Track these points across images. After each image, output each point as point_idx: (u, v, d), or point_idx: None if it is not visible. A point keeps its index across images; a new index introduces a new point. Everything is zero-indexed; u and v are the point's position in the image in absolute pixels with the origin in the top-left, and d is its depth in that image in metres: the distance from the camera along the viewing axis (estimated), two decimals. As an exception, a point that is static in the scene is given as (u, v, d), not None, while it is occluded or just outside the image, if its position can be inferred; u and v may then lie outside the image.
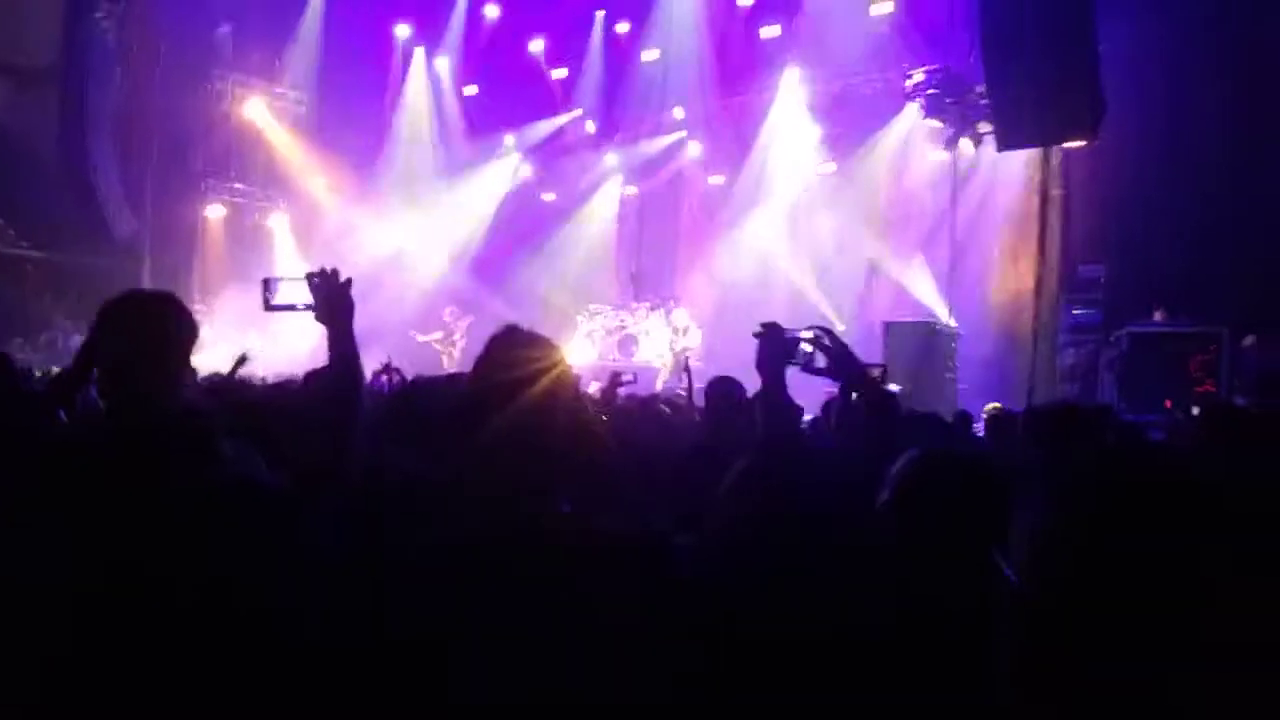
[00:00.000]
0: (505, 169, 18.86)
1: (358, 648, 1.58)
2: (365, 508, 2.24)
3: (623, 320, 17.01)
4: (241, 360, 5.87)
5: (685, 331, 16.03)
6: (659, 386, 11.34)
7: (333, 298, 2.37)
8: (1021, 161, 13.92)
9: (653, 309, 16.46)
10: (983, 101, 12.75)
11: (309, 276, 2.40)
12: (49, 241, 14.74)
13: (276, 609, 1.55)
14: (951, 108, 13.41)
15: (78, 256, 14.56)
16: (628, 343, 16.68)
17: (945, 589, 2.04)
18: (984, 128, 13.21)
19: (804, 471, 2.88)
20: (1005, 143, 12.30)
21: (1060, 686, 1.40)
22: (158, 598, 1.50)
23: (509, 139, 18.79)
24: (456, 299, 17.03)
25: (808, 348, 2.88)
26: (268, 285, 2.49)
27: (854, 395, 3.17)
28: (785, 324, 2.82)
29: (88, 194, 13.91)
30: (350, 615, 1.63)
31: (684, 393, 8.25)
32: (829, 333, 2.90)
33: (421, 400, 3.01)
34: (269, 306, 2.49)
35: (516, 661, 1.58)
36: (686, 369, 6.71)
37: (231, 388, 3.86)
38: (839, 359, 2.93)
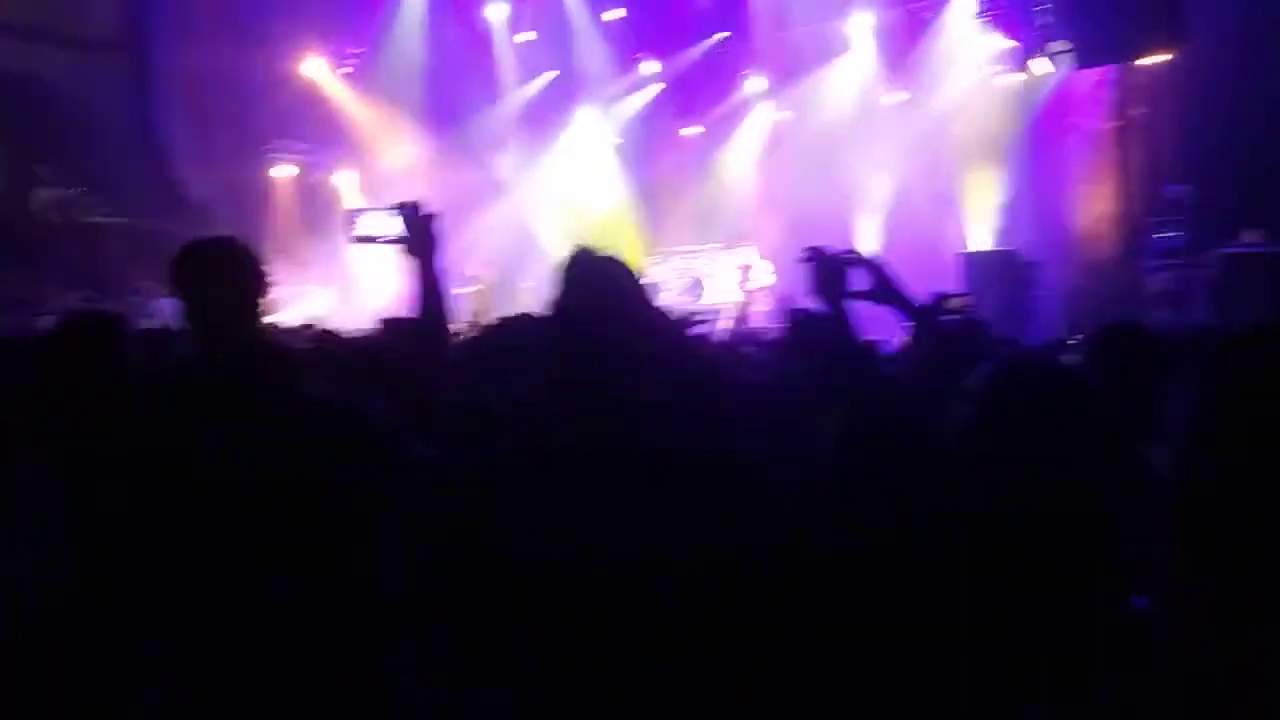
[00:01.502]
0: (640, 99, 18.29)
1: (462, 561, 1.58)
2: (461, 432, 2.24)
3: (689, 262, 16.88)
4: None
5: (751, 270, 15.84)
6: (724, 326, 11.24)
7: (420, 230, 2.35)
8: (1098, 80, 13.39)
9: (728, 248, 16.21)
10: (1055, 21, 12.30)
11: (399, 207, 2.38)
12: (126, 207, 15.03)
13: (379, 528, 1.54)
14: (1023, 25, 12.91)
15: (154, 221, 14.83)
16: (694, 286, 16.56)
17: (1048, 496, 1.94)
18: (1057, 46, 12.72)
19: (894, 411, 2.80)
20: (1083, 60, 11.88)
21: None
22: (262, 513, 1.50)
23: (650, 66, 18.14)
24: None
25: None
26: (352, 216, 2.49)
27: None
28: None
29: (161, 159, 14.16)
30: (454, 531, 1.62)
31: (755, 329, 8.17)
32: (865, 259, 2.78)
33: (510, 336, 2.99)
34: (355, 238, 2.49)
35: (609, 578, 1.57)
36: (778, 305, 6.58)
37: (321, 337, 3.89)
38: (881, 279, 2.79)
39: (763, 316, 14.49)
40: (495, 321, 3.88)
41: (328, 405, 1.64)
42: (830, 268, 2.59)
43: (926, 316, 2.87)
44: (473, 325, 7.83)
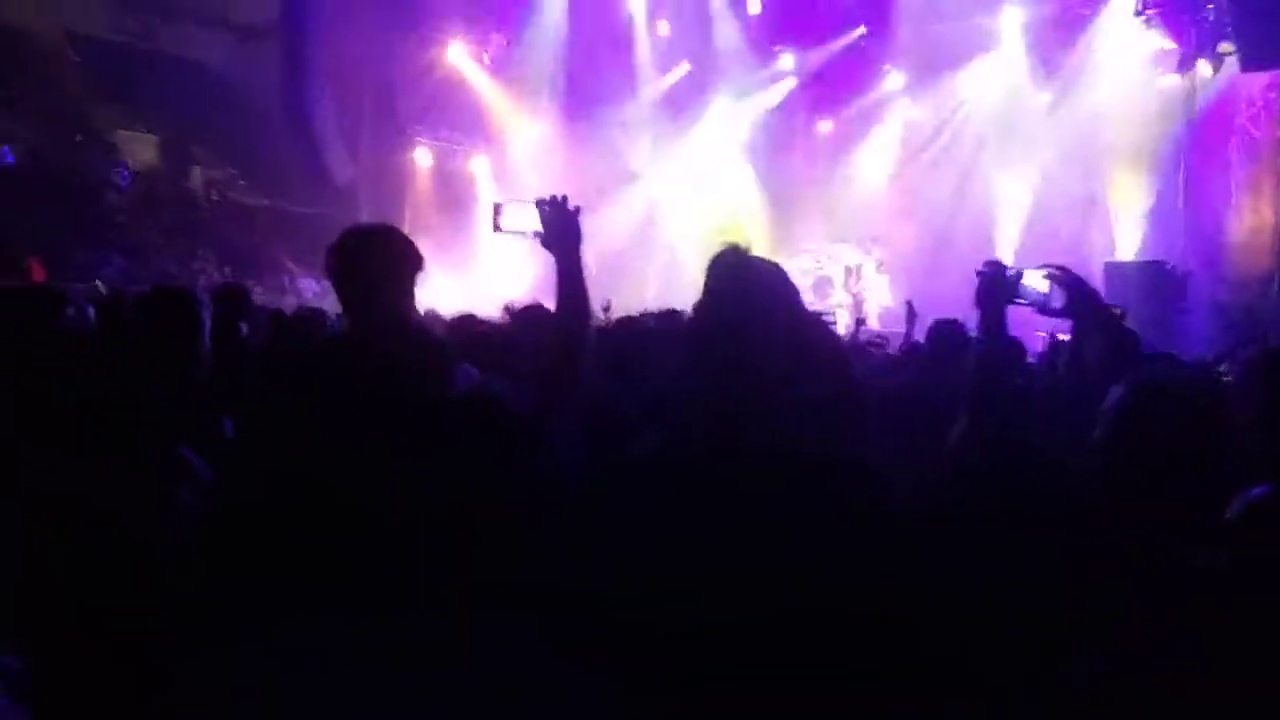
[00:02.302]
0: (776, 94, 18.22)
1: (593, 562, 1.59)
2: (597, 427, 2.26)
3: (819, 261, 16.65)
4: None
5: (859, 271, 15.54)
6: (841, 329, 11.03)
7: (561, 225, 2.37)
8: (1265, 85, 12.63)
9: (864, 250, 15.93)
10: (1223, 18, 11.64)
11: (538, 203, 2.41)
12: (275, 189, 15.76)
13: (514, 526, 1.56)
14: (1188, 25, 12.26)
15: (301, 203, 15.50)
16: (823, 285, 16.32)
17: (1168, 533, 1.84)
18: (1225, 47, 12.03)
19: (1024, 421, 2.73)
20: (1250, 62, 11.22)
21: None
22: (402, 503, 1.54)
23: (787, 59, 18.07)
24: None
25: (1042, 285, 2.74)
26: (497, 210, 2.53)
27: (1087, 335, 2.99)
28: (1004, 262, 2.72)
29: (309, 144, 14.75)
30: (586, 531, 1.63)
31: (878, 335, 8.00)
32: (1067, 270, 2.76)
33: (639, 336, 3.00)
34: (498, 229, 2.53)
35: (729, 578, 1.57)
36: (910, 312, 6.45)
37: (466, 322, 3.99)
38: (1080, 296, 2.80)
39: (875, 319, 14.30)
40: (618, 319, 3.91)
41: (482, 401, 1.66)
42: (1005, 282, 2.56)
43: (1112, 332, 2.84)
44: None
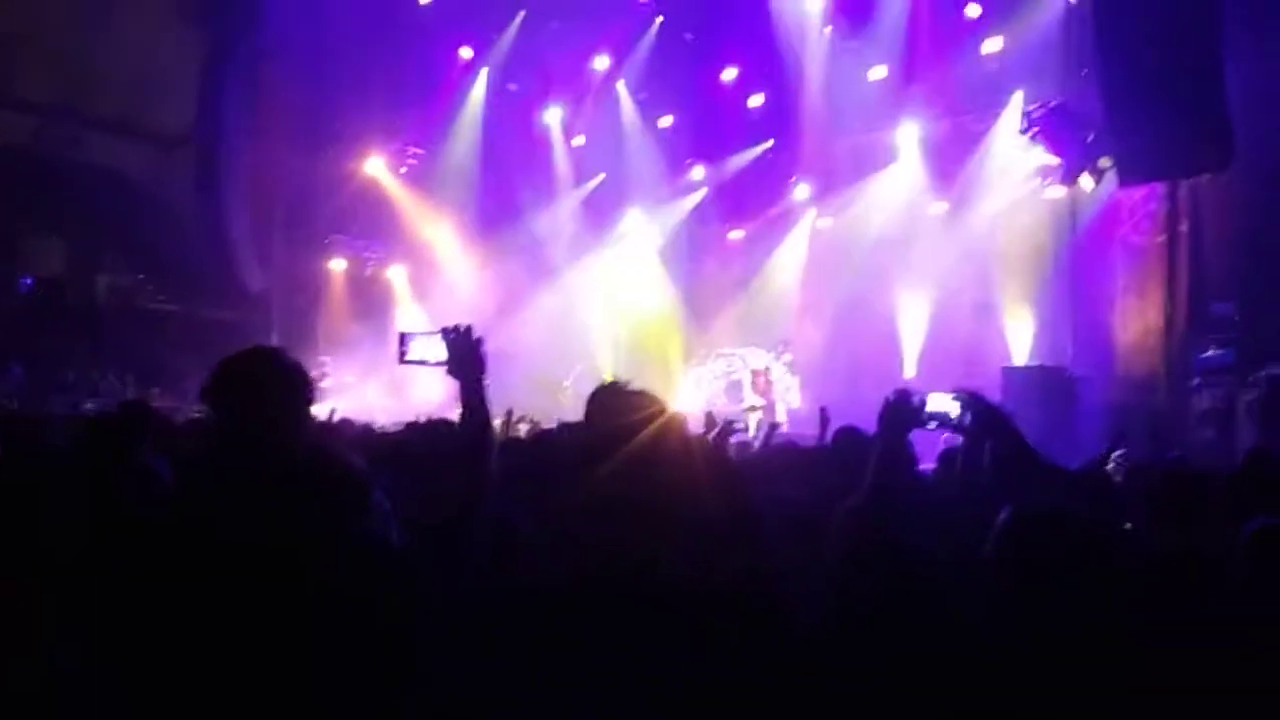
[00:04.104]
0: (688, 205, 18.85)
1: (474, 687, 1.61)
2: (488, 561, 2.29)
3: (731, 365, 16.91)
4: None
5: (769, 374, 15.82)
6: (752, 434, 11.14)
7: (465, 353, 2.44)
8: (1144, 195, 13.43)
9: (776, 353, 16.21)
10: (1100, 138, 12.40)
11: (444, 332, 2.48)
12: (186, 295, 15.57)
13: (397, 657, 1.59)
14: (1069, 142, 13.04)
15: (212, 310, 15.32)
16: (736, 388, 16.54)
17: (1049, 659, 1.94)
18: (1104, 162, 12.79)
19: (915, 518, 2.86)
20: (1127, 177, 11.92)
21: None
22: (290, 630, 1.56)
23: (698, 171, 18.76)
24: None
25: (950, 407, 2.92)
26: (403, 340, 2.59)
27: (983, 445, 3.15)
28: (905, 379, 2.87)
29: (221, 251, 14.68)
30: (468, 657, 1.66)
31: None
32: (974, 394, 2.96)
33: (546, 452, 3.07)
34: (404, 360, 2.58)
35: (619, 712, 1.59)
36: (824, 417, 6.54)
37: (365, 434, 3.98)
38: (987, 416, 2.99)
39: (783, 422, 14.49)
40: (530, 433, 3.97)
41: (369, 548, 1.70)
42: (912, 411, 2.71)
43: (1008, 444, 3.00)
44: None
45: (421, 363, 2.58)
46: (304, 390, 2.31)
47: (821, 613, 2.39)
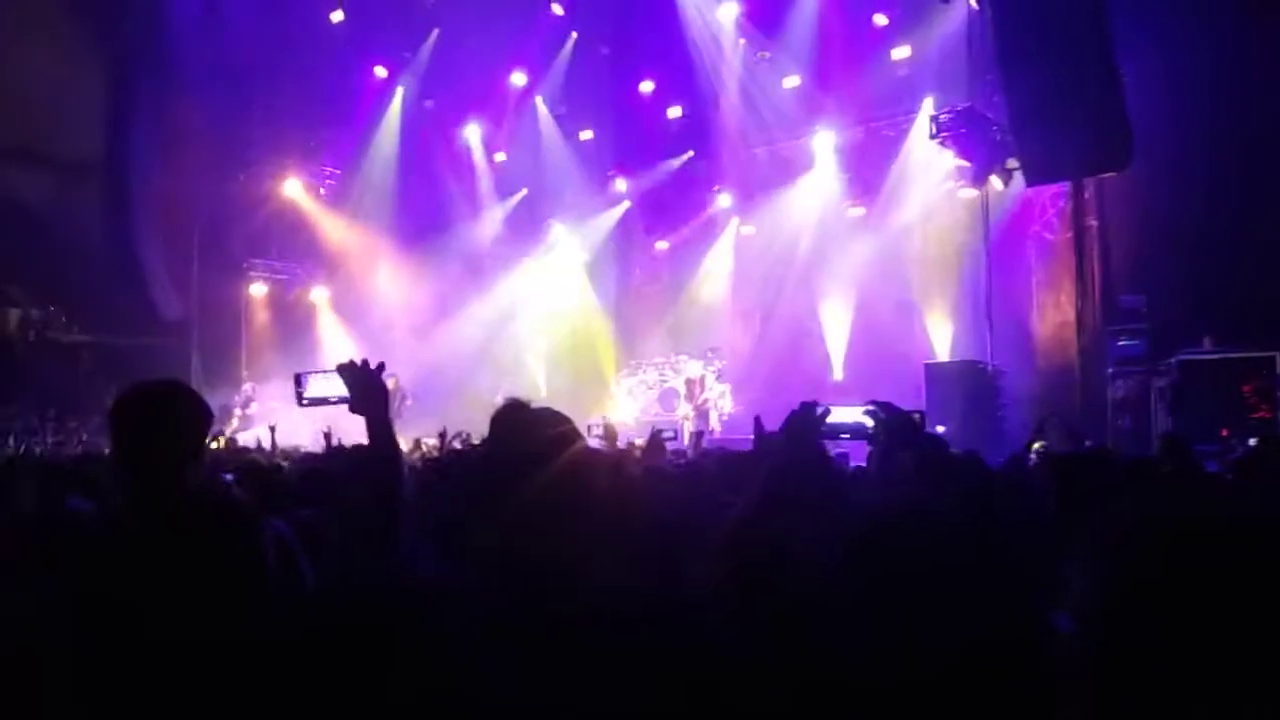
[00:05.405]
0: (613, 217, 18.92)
1: None
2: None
3: (663, 374, 16.99)
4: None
5: (702, 382, 15.95)
6: (686, 441, 11.24)
7: (365, 388, 2.38)
8: (1053, 194, 13.85)
9: (705, 361, 16.31)
10: (1007, 140, 12.74)
11: (340, 369, 2.41)
12: (100, 326, 15.10)
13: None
14: (978, 145, 13.38)
15: (128, 339, 14.89)
16: (669, 396, 16.61)
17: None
18: (1011, 163, 13.16)
19: (817, 530, 2.90)
20: (1033, 178, 12.28)
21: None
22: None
23: (621, 183, 18.84)
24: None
25: (861, 419, 3.01)
26: (299, 381, 2.51)
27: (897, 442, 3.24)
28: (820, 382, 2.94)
29: (135, 279, 14.30)
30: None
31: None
32: (884, 404, 3.04)
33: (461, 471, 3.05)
34: (302, 402, 2.51)
35: None
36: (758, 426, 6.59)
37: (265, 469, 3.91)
38: (896, 426, 3.08)
39: (716, 429, 14.67)
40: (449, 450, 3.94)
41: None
42: (811, 421, 2.75)
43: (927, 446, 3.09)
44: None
45: (323, 401, 2.52)
46: (191, 425, 2.26)
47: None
